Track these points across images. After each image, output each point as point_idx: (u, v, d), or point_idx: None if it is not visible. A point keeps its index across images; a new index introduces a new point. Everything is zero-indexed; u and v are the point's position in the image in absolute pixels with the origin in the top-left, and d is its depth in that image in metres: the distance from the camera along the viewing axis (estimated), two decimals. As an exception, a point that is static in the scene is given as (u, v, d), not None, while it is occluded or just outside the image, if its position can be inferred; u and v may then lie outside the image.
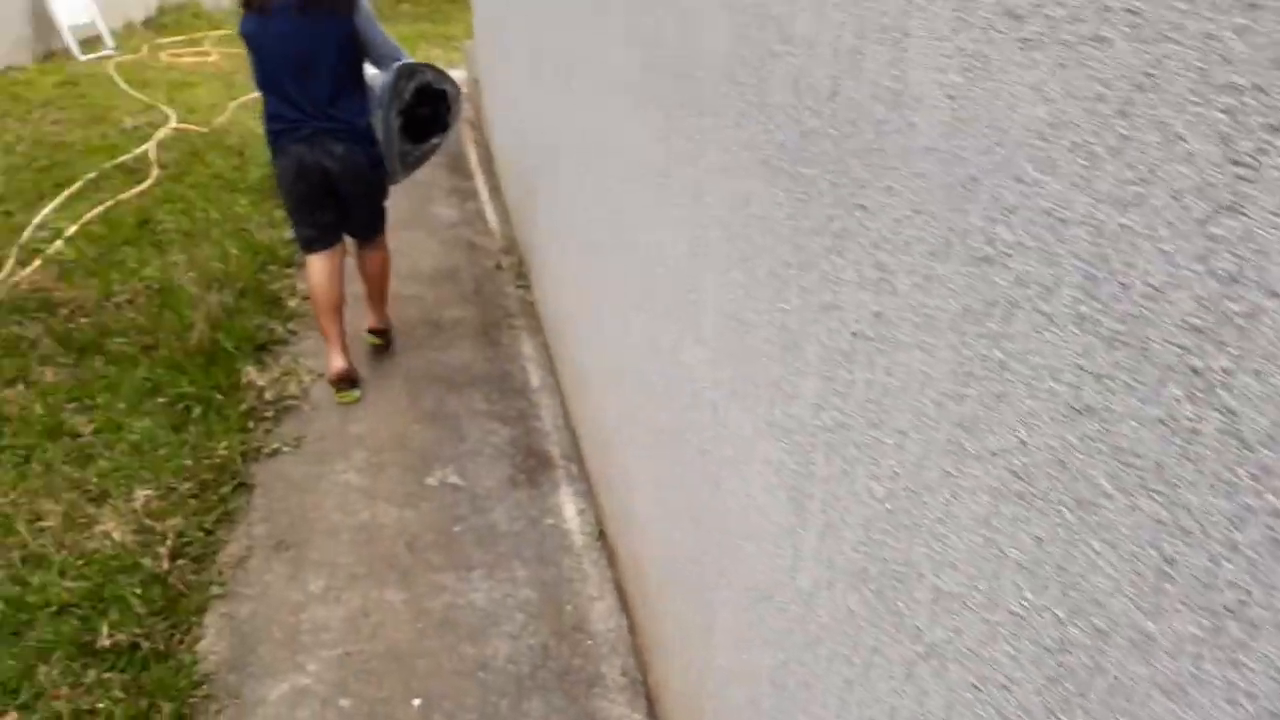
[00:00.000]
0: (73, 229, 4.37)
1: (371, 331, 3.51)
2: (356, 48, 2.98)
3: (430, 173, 5.48)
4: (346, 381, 3.19)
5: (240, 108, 6.54)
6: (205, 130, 5.87)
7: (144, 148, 5.47)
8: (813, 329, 1.03)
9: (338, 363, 3.18)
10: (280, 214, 4.58)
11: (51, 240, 4.27)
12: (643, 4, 1.68)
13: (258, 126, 5.96)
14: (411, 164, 3.29)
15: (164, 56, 7.74)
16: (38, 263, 4.04)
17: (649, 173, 1.71)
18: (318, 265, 3.17)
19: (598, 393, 2.50)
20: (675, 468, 1.68)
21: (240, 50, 7.84)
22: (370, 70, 3.08)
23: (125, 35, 8.37)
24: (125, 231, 4.39)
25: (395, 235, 3.63)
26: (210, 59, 7.87)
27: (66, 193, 4.82)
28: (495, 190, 5.30)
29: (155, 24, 8.88)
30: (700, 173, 1.39)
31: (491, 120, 5.20)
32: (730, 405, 1.34)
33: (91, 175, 5.04)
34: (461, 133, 6.37)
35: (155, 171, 5.16)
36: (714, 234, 1.34)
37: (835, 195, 0.94)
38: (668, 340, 1.66)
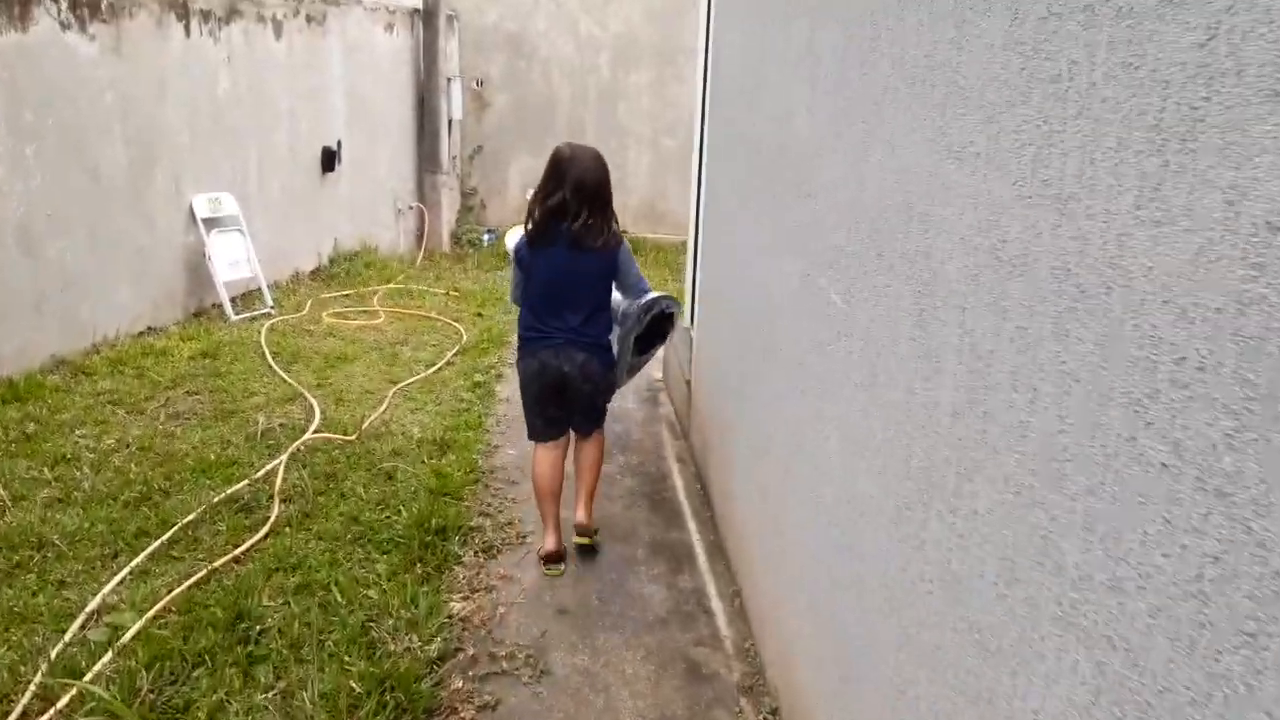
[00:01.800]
0: (135, 627, 2.96)
1: (580, 532, 3.67)
2: (611, 278, 3.46)
3: (628, 508, 3.96)
4: (555, 558, 3.56)
5: (402, 395, 5.29)
6: (351, 439, 4.57)
7: (271, 465, 4.18)
8: None
9: (551, 543, 3.57)
10: (432, 600, 3.13)
11: (101, 648, 2.86)
12: None
13: (416, 423, 4.78)
14: (635, 369, 3.85)
15: (326, 318, 6.75)
16: (63, 702, 2.59)
17: None
18: (543, 455, 3.60)
19: None
20: None
21: (409, 315, 7.22)
22: (616, 295, 3.55)
23: (290, 288, 7.54)
24: (206, 636, 2.94)
25: (582, 643, 3.20)
26: (377, 321, 6.83)
27: (149, 549, 3.47)
28: (717, 549, 3.69)
29: (325, 274, 8.09)
30: None
31: (712, 442, 3.70)
32: None
33: (192, 516, 3.71)
34: (661, 441, 4.89)
35: (275, 510, 3.80)
36: None
37: None
38: None
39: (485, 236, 10.34)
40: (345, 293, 7.62)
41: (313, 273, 8.03)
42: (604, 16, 10.40)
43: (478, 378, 5.66)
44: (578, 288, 3.37)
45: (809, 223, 2.48)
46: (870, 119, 2.01)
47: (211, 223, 6.61)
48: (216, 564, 3.39)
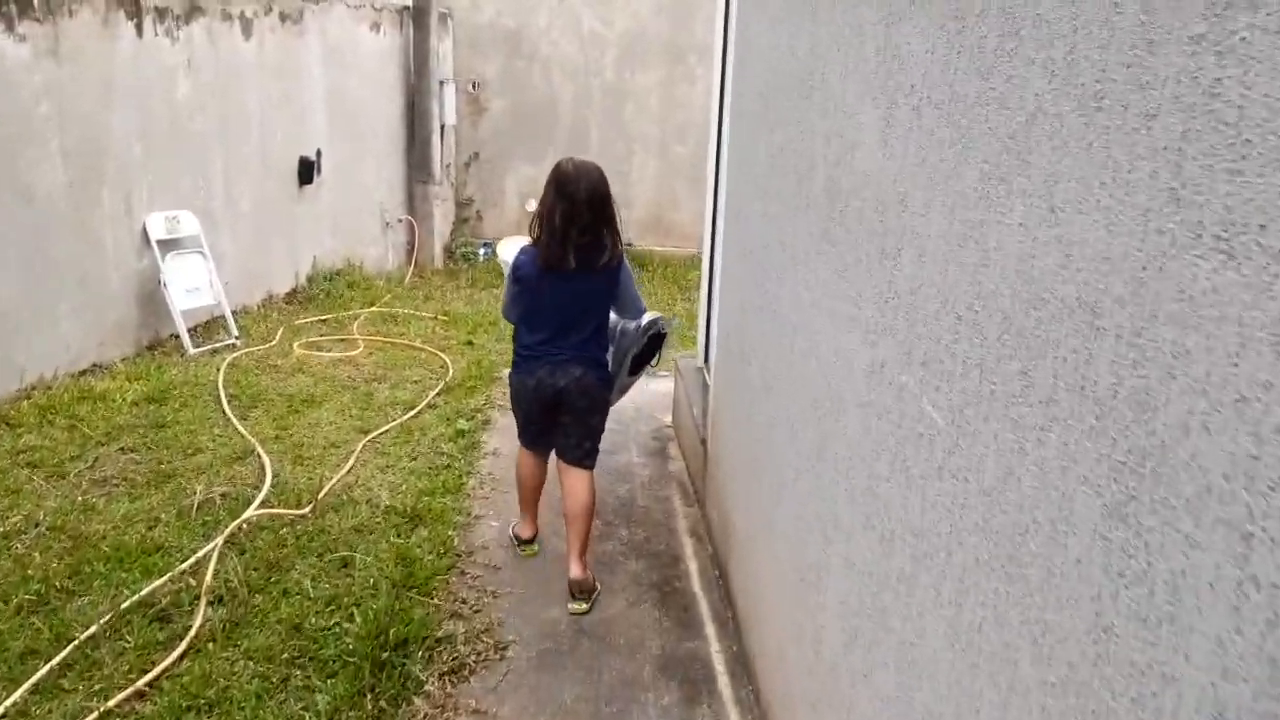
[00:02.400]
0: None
1: (576, 591, 3.35)
2: (612, 296, 3.43)
3: (633, 604, 3.26)
4: (529, 540, 3.74)
5: (372, 448, 4.58)
6: (304, 512, 3.86)
7: (202, 553, 3.47)
8: None
9: (527, 531, 3.73)
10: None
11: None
12: None
13: (384, 486, 4.10)
14: (624, 389, 3.93)
15: (297, 350, 6.04)
16: None
17: None
18: (529, 457, 3.64)
19: None
20: None
21: (392, 345, 6.53)
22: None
23: (261, 314, 6.83)
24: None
25: None
26: (354, 352, 6.13)
27: (34, 678, 2.76)
28: (741, 666, 2.94)
29: (303, 296, 7.38)
30: None
31: (733, 525, 2.95)
32: None
33: (93, 629, 3.00)
34: (672, 509, 4.18)
35: (199, 618, 3.09)
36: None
37: None
38: None
39: (481, 250, 9.64)
40: (323, 317, 6.92)
41: (288, 295, 7.33)
42: (609, 12, 9.67)
43: (462, 424, 4.95)
44: (581, 308, 3.35)
45: (887, 294, 1.75)
46: (999, 158, 1.28)
47: (168, 245, 5.90)
48: (110, 703, 2.67)
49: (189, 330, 5.96)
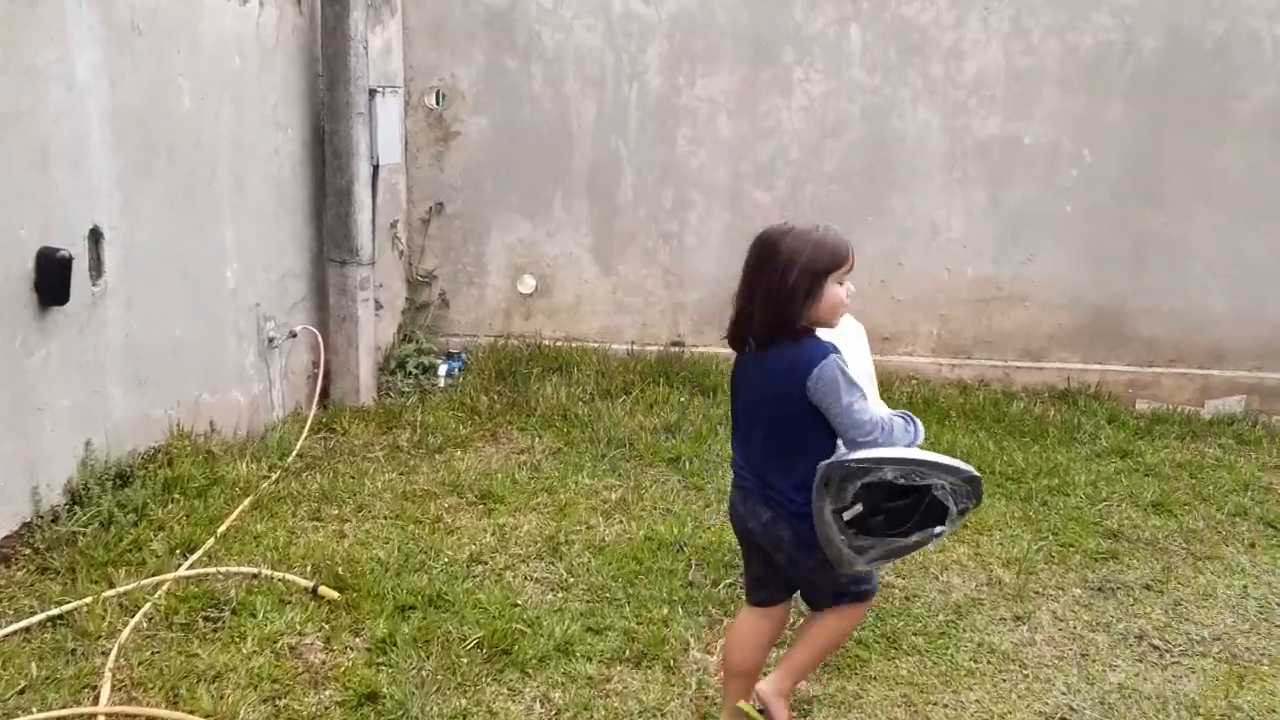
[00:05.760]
0: None
1: (758, 699, 2.65)
2: (806, 412, 2.38)
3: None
4: None
5: None
6: None
7: None
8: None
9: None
10: None
11: None
12: None
13: None
14: (880, 558, 2.42)
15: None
16: None
17: None
18: (740, 619, 2.75)
19: None
20: None
21: None
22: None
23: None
24: None
25: None
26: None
27: None
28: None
29: (51, 536, 3.60)
30: None
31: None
32: None
33: None
34: None
35: None
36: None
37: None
38: None
39: (444, 367, 5.90)
40: (57, 610, 3.19)
41: (19, 536, 3.57)
42: (655, -20, 5.95)
43: None
44: (754, 410, 2.52)
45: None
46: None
47: None
48: None
49: None
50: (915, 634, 3.36)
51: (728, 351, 2.64)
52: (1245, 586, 3.79)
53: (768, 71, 5.98)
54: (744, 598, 2.79)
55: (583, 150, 6.14)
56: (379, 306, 5.63)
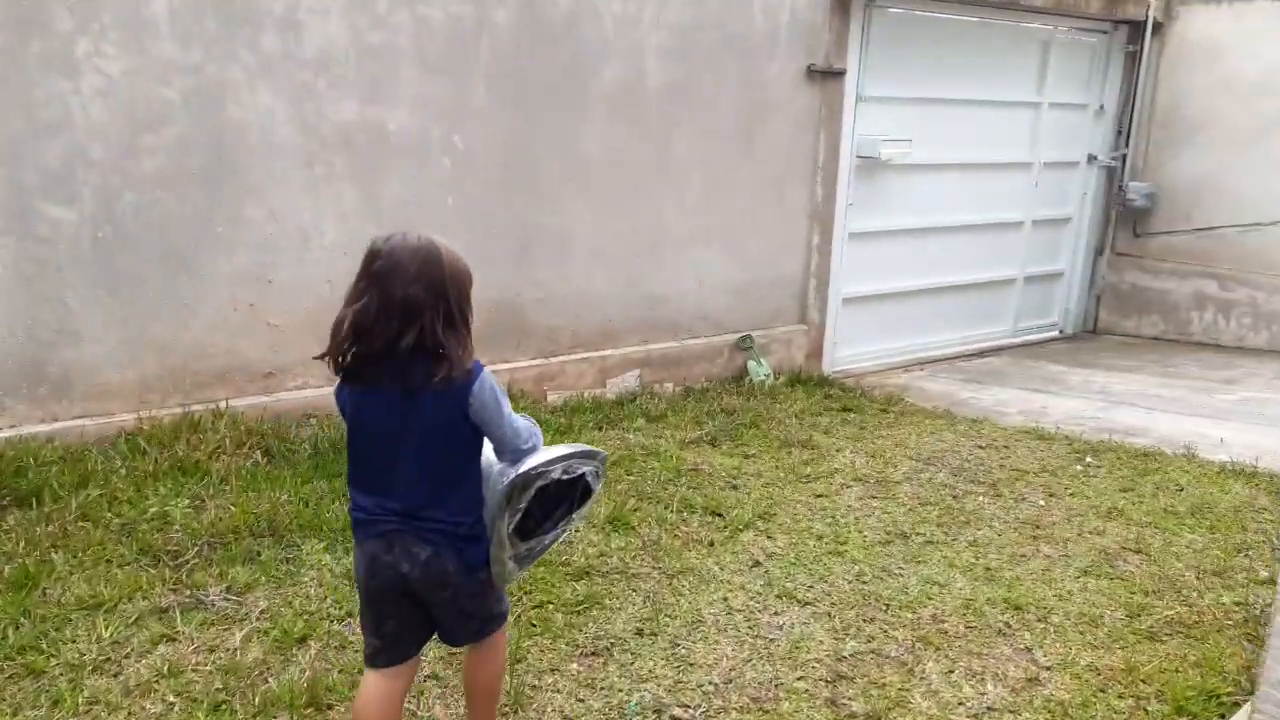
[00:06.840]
0: None
1: None
2: (465, 433, 2.28)
3: None
4: None
5: None
6: None
7: None
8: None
9: None
10: None
11: None
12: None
13: None
14: (529, 560, 2.46)
15: None
16: None
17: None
18: (369, 686, 2.40)
19: None
20: None
21: None
22: (488, 454, 2.36)
23: None
24: None
25: None
26: None
27: None
28: None
29: None
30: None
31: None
32: None
33: None
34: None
35: None
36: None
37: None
38: None
39: None
40: None
41: None
42: None
43: None
44: (406, 446, 2.26)
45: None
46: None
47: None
48: None
49: None
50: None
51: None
52: (725, 599, 3.58)
53: (37, 43, 4.30)
54: (368, 664, 2.44)
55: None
56: None
